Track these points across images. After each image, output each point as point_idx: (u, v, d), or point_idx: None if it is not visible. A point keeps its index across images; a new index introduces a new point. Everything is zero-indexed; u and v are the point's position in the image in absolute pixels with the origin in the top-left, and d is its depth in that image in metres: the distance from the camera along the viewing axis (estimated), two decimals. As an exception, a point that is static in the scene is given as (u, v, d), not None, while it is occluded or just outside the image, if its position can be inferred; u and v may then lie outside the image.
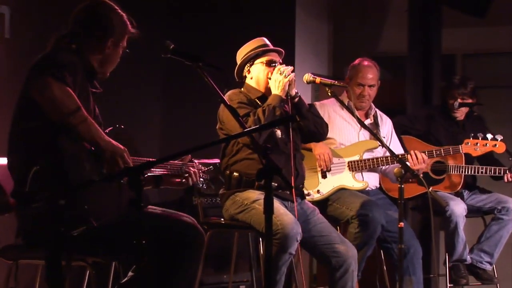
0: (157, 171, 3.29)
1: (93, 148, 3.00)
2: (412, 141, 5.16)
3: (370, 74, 4.79)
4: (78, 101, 2.94)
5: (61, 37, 3.17)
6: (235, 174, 4.08)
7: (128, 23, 3.27)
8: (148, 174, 3.28)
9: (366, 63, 4.82)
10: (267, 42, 4.18)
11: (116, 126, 3.23)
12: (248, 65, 4.17)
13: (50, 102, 2.91)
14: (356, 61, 4.86)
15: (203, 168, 3.48)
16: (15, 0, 4.77)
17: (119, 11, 3.25)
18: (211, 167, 3.50)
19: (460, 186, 5.16)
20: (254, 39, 4.18)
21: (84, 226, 2.92)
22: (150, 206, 3.27)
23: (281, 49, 4.20)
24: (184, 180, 3.38)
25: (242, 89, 4.19)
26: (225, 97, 4.02)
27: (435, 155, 4.85)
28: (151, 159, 3.15)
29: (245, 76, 4.20)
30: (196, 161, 3.46)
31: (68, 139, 2.95)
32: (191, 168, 3.38)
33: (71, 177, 2.89)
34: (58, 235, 2.83)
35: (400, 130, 5.14)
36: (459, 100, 5.18)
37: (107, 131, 3.15)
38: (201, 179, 3.45)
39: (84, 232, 2.93)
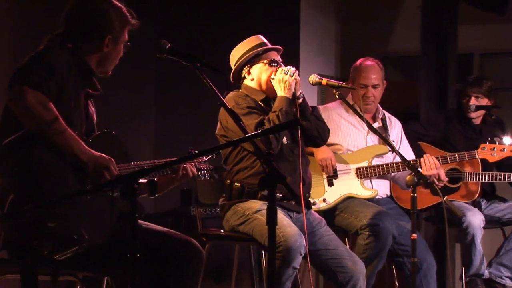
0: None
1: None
2: (425, 148, 5.15)
3: (373, 73, 4.79)
4: (56, 111, 2.88)
5: (54, 37, 3.13)
6: (237, 184, 4.09)
7: (128, 15, 3.22)
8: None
9: (368, 62, 4.82)
10: (264, 40, 4.18)
11: (103, 131, 3.20)
12: (248, 66, 4.17)
13: (24, 112, 2.87)
14: (358, 62, 4.86)
15: (203, 158, 3.44)
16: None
17: (116, 2, 3.21)
18: (213, 155, 3.47)
19: (477, 195, 5.16)
20: (248, 37, 4.17)
21: (74, 248, 2.90)
22: (144, 222, 3.25)
23: (280, 47, 4.20)
24: (182, 173, 3.31)
25: (241, 90, 4.19)
26: (230, 100, 4.04)
27: (449, 161, 4.84)
28: (144, 164, 3.15)
29: (244, 78, 4.20)
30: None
31: (48, 152, 2.90)
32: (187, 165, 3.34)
33: (49, 193, 2.84)
34: (32, 252, 2.82)
35: (413, 138, 5.13)
36: (473, 101, 5.17)
37: (93, 136, 3.13)
38: (202, 171, 3.42)
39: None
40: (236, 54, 4.17)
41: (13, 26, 5.07)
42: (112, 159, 3.01)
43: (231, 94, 4.13)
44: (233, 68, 4.18)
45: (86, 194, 2.88)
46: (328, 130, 4.24)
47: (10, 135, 2.91)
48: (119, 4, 3.22)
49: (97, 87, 3.22)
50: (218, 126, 4.15)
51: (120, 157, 3.09)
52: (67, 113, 2.97)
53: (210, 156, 3.45)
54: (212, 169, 3.46)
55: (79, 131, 3.06)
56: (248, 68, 4.16)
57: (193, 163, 3.36)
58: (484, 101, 5.22)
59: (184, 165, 3.31)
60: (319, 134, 4.17)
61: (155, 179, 3.23)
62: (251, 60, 4.14)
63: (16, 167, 2.87)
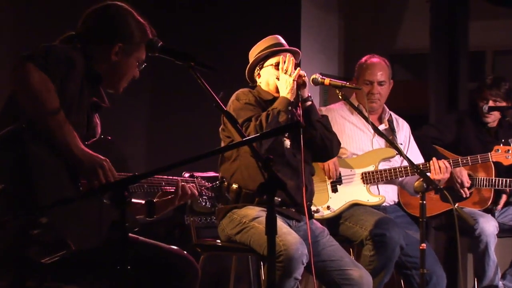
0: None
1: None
2: (440, 152, 5.14)
3: (379, 69, 4.80)
4: (57, 98, 2.88)
5: (66, 38, 3.16)
6: (234, 186, 4.09)
7: (149, 32, 3.23)
8: (138, 200, 3.26)
9: (374, 59, 4.85)
10: (282, 40, 4.21)
11: (100, 137, 3.21)
12: (258, 68, 4.22)
13: (28, 92, 2.86)
14: (363, 59, 4.88)
15: (207, 184, 3.46)
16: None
17: (139, 18, 3.23)
18: (216, 182, 3.49)
19: (490, 202, 5.17)
20: (268, 36, 4.21)
21: (62, 252, 2.91)
22: (135, 236, 3.26)
23: (296, 49, 4.23)
24: (182, 192, 3.31)
25: (254, 90, 4.24)
26: (232, 96, 4.10)
27: (461, 164, 4.85)
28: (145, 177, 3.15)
29: (255, 80, 4.25)
30: (197, 175, 3.44)
31: (44, 151, 2.91)
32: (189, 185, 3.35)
33: (42, 195, 2.84)
34: (22, 262, 2.83)
35: (427, 143, 5.12)
36: (490, 103, 5.18)
37: (88, 143, 3.14)
38: (204, 197, 3.44)
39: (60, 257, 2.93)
40: (251, 54, 4.24)
41: (13, 28, 5.11)
42: (107, 160, 3.02)
43: (239, 90, 4.18)
44: (247, 69, 4.23)
45: (75, 201, 2.88)
46: (338, 142, 4.25)
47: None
48: (142, 21, 3.24)
49: (104, 99, 3.23)
50: (222, 120, 4.18)
51: (118, 166, 3.09)
52: (66, 114, 2.96)
53: (213, 184, 3.47)
54: (214, 198, 3.47)
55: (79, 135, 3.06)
56: (258, 70, 4.22)
57: (194, 185, 3.37)
58: (502, 105, 5.21)
59: (183, 183, 3.33)
60: (324, 145, 4.17)
61: (154, 200, 3.27)
62: (261, 61, 4.19)
63: (9, 167, 2.87)
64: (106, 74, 3.18)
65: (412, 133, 4.98)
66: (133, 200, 3.26)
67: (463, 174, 4.98)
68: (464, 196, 5.03)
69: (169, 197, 3.31)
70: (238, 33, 5.81)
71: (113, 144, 3.21)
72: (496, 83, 5.22)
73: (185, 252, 3.32)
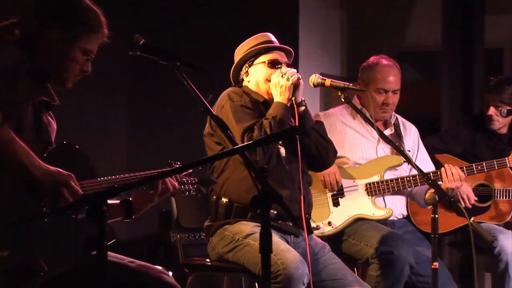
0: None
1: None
2: (444, 160, 5.14)
3: (393, 76, 4.78)
4: (0, 115, 2.84)
5: (5, 27, 3.12)
6: (224, 200, 4.10)
7: (102, 20, 3.19)
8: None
9: (385, 62, 4.80)
10: (272, 38, 4.22)
11: (61, 144, 3.18)
12: (247, 65, 4.21)
13: None
14: (371, 60, 4.84)
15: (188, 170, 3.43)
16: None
17: (89, 3, 3.19)
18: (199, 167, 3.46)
19: (510, 216, 5.19)
20: (257, 34, 4.20)
21: (32, 280, 2.90)
22: (115, 255, 3.26)
23: (289, 48, 4.23)
24: (161, 188, 3.27)
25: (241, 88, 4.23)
26: (223, 97, 4.09)
27: (475, 172, 4.83)
28: (114, 180, 3.15)
29: (242, 79, 4.24)
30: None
31: None
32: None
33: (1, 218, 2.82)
34: None
35: (432, 153, 5.14)
36: (492, 111, 5.19)
37: (48, 151, 3.13)
38: (186, 185, 3.40)
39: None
40: (238, 52, 4.22)
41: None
42: (72, 175, 3.00)
43: (227, 90, 4.17)
44: (233, 67, 4.23)
45: (44, 218, 2.87)
46: (335, 152, 4.26)
47: None
48: (94, 7, 3.20)
49: (54, 97, 3.19)
50: (207, 125, 4.17)
51: (84, 173, 3.08)
52: (17, 129, 2.94)
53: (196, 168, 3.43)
54: (198, 182, 3.45)
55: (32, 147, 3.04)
56: (247, 68, 4.20)
57: (181, 177, 3.36)
58: (508, 109, 5.20)
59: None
60: (319, 154, 4.18)
61: (130, 198, 3.23)
62: (251, 58, 4.18)
63: None
64: (50, 68, 3.15)
65: (421, 139, 4.98)
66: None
67: (468, 190, 4.96)
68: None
69: (149, 192, 3.26)
70: (230, 29, 5.83)
71: (76, 150, 3.18)
72: (497, 87, 5.20)
73: (170, 274, 3.31)
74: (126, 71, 6.36)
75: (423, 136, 5.06)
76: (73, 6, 3.17)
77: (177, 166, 3.34)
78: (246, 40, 4.22)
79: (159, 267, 3.32)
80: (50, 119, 3.22)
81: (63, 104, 3.27)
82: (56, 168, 2.97)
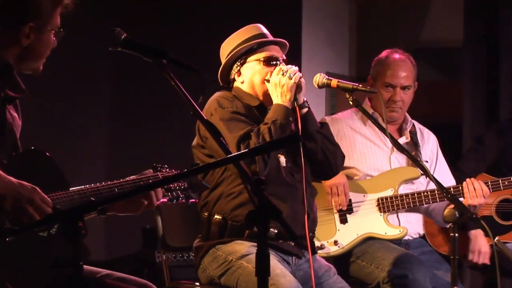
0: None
1: None
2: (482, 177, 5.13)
3: (403, 70, 4.79)
4: None
5: None
6: (217, 217, 4.09)
7: None
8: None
9: (397, 56, 4.83)
10: (264, 30, 4.21)
11: (29, 149, 3.18)
12: (238, 63, 4.20)
13: None
14: (383, 54, 4.86)
15: (173, 171, 3.41)
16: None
17: None
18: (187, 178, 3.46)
19: (537, 235, 5.20)
20: (245, 26, 4.20)
21: None
22: (93, 268, 3.25)
23: (284, 41, 4.23)
24: (145, 201, 3.31)
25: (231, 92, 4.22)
26: (212, 103, 4.08)
27: (501, 187, 4.83)
28: (88, 190, 3.15)
29: (233, 80, 4.23)
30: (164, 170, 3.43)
31: None
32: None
33: None
34: None
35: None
36: None
37: (12, 157, 3.11)
38: (174, 191, 3.41)
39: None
40: (226, 48, 4.20)
41: None
42: (36, 188, 2.99)
43: (215, 95, 4.16)
44: (221, 67, 4.22)
45: (6, 237, 2.87)
46: (343, 156, 4.26)
47: None
48: None
49: (21, 87, 3.24)
50: (196, 136, 4.17)
51: (53, 184, 3.08)
52: None
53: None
54: (188, 188, 3.45)
55: None
56: (239, 67, 4.19)
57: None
58: None
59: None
60: (326, 160, 4.18)
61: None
62: (242, 55, 4.17)
63: None
64: (20, 59, 3.21)
65: (440, 148, 4.97)
66: None
67: (481, 242, 4.99)
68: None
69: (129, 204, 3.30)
70: (225, 21, 5.83)
71: (45, 156, 3.18)
72: None
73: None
74: (107, 69, 6.38)
75: (443, 142, 5.04)
76: None
77: (164, 171, 3.37)
78: (234, 34, 4.20)
79: (142, 280, 3.33)
80: (14, 112, 3.24)
81: (36, 106, 3.28)
82: (19, 181, 2.97)
